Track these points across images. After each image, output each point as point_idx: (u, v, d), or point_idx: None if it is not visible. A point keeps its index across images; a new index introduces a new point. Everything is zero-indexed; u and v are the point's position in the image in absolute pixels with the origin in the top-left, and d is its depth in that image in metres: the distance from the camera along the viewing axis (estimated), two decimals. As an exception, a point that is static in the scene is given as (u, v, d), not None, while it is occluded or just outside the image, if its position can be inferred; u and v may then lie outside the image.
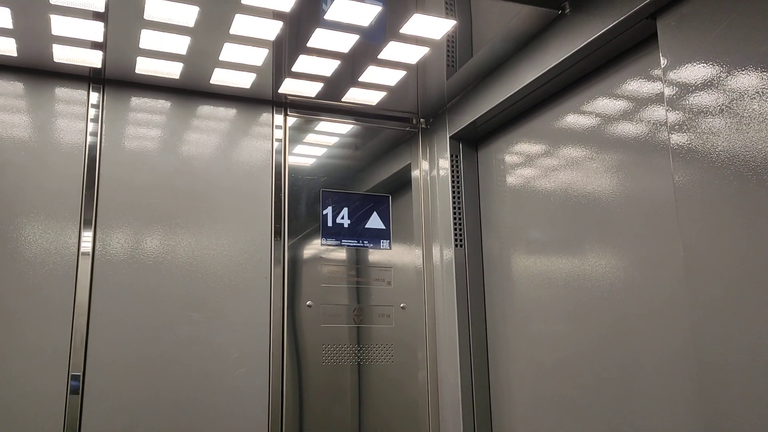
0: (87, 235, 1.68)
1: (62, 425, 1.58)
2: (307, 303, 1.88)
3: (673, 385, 1.24)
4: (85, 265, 1.67)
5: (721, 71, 1.10)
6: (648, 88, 1.36)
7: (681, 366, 1.23)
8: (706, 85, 1.12)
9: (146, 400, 1.66)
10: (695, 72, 1.15)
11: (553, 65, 1.51)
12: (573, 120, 1.59)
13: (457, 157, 2.00)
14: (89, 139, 1.74)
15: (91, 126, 1.75)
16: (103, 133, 1.76)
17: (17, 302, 1.60)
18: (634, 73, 1.40)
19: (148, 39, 1.55)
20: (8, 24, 1.47)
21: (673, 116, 1.18)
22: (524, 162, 1.79)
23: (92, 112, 1.75)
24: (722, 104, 1.09)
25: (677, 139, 1.17)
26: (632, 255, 1.37)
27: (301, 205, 1.94)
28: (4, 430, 1.54)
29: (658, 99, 1.34)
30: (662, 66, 1.21)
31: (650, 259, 1.33)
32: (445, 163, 2.01)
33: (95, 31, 1.51)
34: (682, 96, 1.17)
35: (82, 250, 1.67)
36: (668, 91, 1.20)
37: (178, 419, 1.68)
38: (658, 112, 1.33)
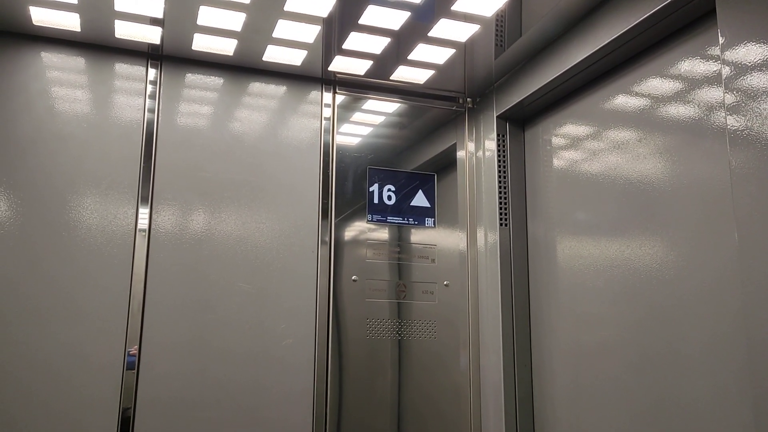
0: (144, 212, 1.74)
1: (119, 395, 1.65)
2: (353, 277, 1.92)
3: (720, 367, 1.24)
4: (142, 238, 1.73)
5: (782, 50, 1.08)
6: (704, 68, 1.34)
7: (728, 348, 1.22)
8: (767, 64, 1.10)
9: (198, 372, 1.73)
10: (755, 51, 1.12)
11: (604, 44, 1.49)
12: (623, 100, 1.58)
13: (503, 136, 2.00)
14: (147, 115, 1.80)
15: (148, 102, 1.81)
16: (160, 109, 1.81)
17: (78, 268, 1.67)
18: (689, 51, 1.38)
19: (205, 15, 1.59)
20: None
21: (731, 97, 1.16)
22: (572, 143, 1.78)
23: (150, 88, 1.81)
24: (783, 84, 1.07)
25: (735, 121, 1.15)
26: (682, 238, 1.36)
27: (348, 182, 1.97)
28: (63, 397, 1.61)
29: (714, 79, 1.31)
30: (720, 44, 1.19)
31: (701, 242, 1.31)
32: (491, 143, 2.02)
33: (155, 6, 1.56)
34: (741, 76, 1.15)
35: (139, 226, 1.73)
36: (726, 71, 1.17)
37: (228, 390, 1.74)
38: (714, 93, 1.31)
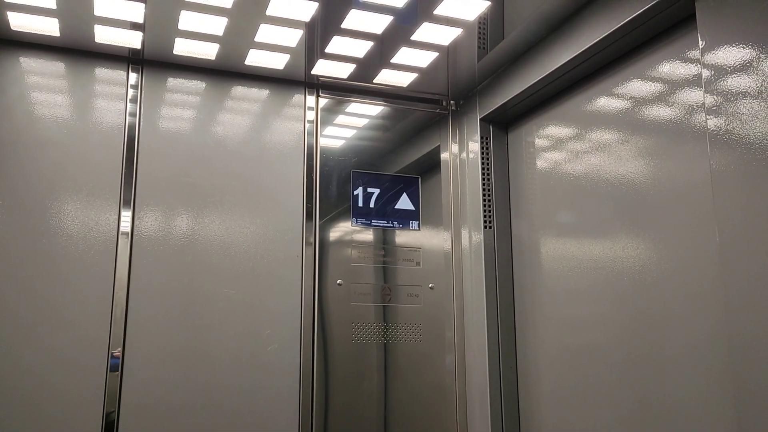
0: (126, 215, 1.73)
1: (102, 399, 1.63)
2: (338, 281, 1.91)
3: (704, 368, 1.25)
4: (124, 244, 1.71)
5: (761, 53, 1.09)
6: (684, 71, 1.36)
7: (711, 349, 1.23)
8: (746, 67, 1.12)
9: (183, 378, 1.71)
10: (734, 54, 1.14)
11: (586, 47, 1.50)
12: (606, 103, 1.59)
13: (487, 139, 2.00)
14: (128, 119, 1.78)
15: (129, 107, 1.79)
16: (142, 113, 1.80)
17: (59, 275, 1.65)
18: (670, 54, 1.39)
19: (186, 20, 1.58)
20: (52, 4, 1.51)
21: (711, 99, 1.17)
22: (555, 145, 1.79)
23: (131, 92, 1.79)
24: (762, 87, 1.09)
25: (715, 123, 1.16)
26: (665, 240, 1.38)
27: (332, 186, 1.97)
28: (47, 402, 1.59)
29: (694, 82, 1.33)
30: (700, 47, 1.20)
31: (683, 244, 1.33)
32: (474, 146, 2.02)
33: (135, 11, 1.54)
34: (721, 78, 1.16)
35: (121, 230, 1.72)
36: (706, 74, 1.19)
37: (213, 395, 1.73)
38: (694, 96, 1.33)
